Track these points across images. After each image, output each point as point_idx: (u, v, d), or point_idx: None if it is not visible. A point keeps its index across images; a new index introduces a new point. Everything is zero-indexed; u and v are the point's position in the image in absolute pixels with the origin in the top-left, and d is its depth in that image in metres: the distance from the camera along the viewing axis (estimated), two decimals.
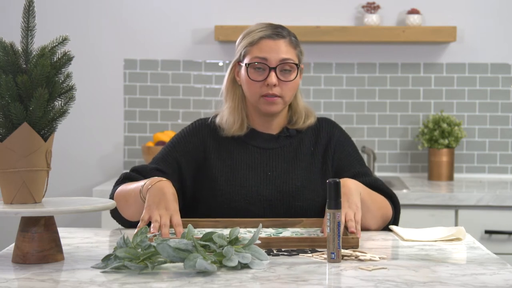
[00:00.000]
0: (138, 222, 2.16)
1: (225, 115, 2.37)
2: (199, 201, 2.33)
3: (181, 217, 2.12)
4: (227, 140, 2.36)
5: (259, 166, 2.34)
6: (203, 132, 2.39)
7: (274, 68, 2.27)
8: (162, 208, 2.06)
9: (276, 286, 1.59)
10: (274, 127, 2.38)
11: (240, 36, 2.36)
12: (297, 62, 2.31)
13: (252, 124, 2.38)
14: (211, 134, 2.38)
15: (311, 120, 2.40)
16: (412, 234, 2.16)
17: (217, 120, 2.38)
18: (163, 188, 2.10)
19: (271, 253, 1.89)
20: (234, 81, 2.38)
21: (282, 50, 2.29)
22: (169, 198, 2.08)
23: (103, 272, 1.68)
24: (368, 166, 3.85)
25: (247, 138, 2.37)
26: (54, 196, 1.97)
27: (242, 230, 2.13)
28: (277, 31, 2.31)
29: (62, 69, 1.83)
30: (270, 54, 2.28)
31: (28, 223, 1.78)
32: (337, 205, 1.79)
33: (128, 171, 2.37)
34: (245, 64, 2.30)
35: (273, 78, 2.27)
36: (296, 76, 2.30)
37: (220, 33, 3.86)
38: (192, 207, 2.35)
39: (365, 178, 2.34)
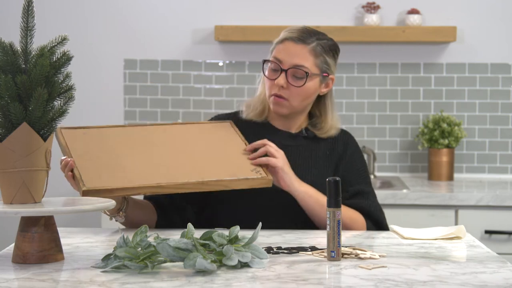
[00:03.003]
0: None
1: (249, 101, 2.46)
2: (209, 196, 2.33)
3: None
4: (246, 134, 2.37)
5: None
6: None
7: (285, 71, 2.30)
8: None
9: (276, 285, 1.58)
10: (293, 127, 2.42)
11: None
12: (311, 71, 2.31)
13: (272, 121, 2.43)
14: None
15: (331, 134, 2.42)
16: (412, 233, 2.16)
17: (244, 104, 2.47)
18: None
19: (271, 252, 1.89)
20: None
21: (298, 55, 2.31)
22: None
23: (103, 271, 1.68)
24: (368, 166, 3.86)
25: (267, 133, 2.39)
26: (54, 196, 1.97)
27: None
28: (302, 36, 2.33)
29: (62, 69, 1.83)
30: (285, 56, 2.31)
31: (28, 223, 1.78)
32: (336, 204, 1.80)
33: None
34: (263, 61, 2.36)
35: (280, 79, 2.30)
36: (305, 83, 2.30)
37: (220, 33, 3.86)
38: (201, 198, 2.36)
39: (363, 200, 2.36)
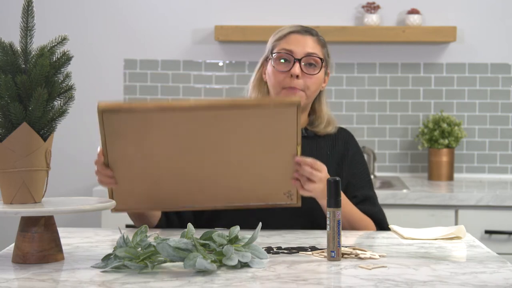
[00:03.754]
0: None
1: None
2: None
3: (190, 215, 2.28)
4: None
5: None
6: None
7: (299, 60, 2.30)
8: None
9: (276, 285, 1.58)
10: None
11: (271, 36, 2.40)
12: (322, 57, 2.33)
13: None
14: None
15: (331, 129, 2.41)
16: (412, 233, 2.16)
17: None
18: None
19: (271, 252, 1.89)
20: (260, 79, 2.41)
21: (308, 44, 2.32)
22: None
23: (103, 271, 1.68)
24: (368, 166, 3.85)
25: None
26: (54, 196, 1.97)
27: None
28: (306, 28, 2.36)
29: (61, 69, 1.83)
30: (296, 46, 2.31)
31: (28, 223, 1.78)
32: (336, 204, 1.79)
33: None
34: (271, 54, 2.34)
35: (296, 68, 2.29)
36: (320, 71, 2.32)
37: (220, 33, 3.86)
38: None
39: (372, 207, 2.37)
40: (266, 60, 2.39)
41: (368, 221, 2.33)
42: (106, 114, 1.93)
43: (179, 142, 1.99)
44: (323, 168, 2.13)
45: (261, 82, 2.40)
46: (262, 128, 1.99)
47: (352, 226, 2.28)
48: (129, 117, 1.94)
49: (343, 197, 2.26)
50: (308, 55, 2.31)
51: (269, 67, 2.35)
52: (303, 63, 2.30)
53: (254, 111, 1.97)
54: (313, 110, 2.43)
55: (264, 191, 2.10)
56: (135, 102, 1.95)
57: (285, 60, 2.32)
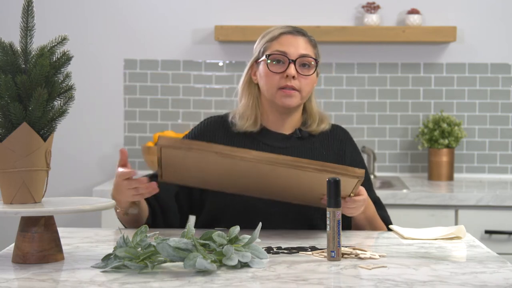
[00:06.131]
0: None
1: (239, 112, 2.38)
2: (208, 199, 2.33)
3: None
4: (238, 137, 2.36)
5: None
6: (211, 130, 2.39)
7: (294, 61, 2.29)
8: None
9: (276, 285, 1.58)
10: (287, 127, 2.38)
11: (259, 38, 2.39)
12: (316, 58, 2.33)
13: (265, 123, 2.38)
14: (222, 131, 2.38)
15: (325, 126, 2.41)
16: (412, 233, 2.16)
17: (230, 116, 2.39)
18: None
19: (271, 252, 1.89)
20: (250, 81, 2.39)
21: (301, 46, 2.32)
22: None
23: (103, 271, 1.68)
24: (368, 166, 3.86)
25: (259, 136, 2.36)
26: (54, 196, 1.97)
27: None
28: (296, 29, 2.35)
29: (62, 69, 1.83)
30: (289, 48, 2.31)
31: (28, 223, 1.78)
32: (336, 204, 1.80)
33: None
34: (266, 56, 2.32)
35: (292, 69, 2.29)
36: (314, 72, 2.32)
37: (220, 33, 3.86)
38: (200, 206, 2.36)
39: (383, 212, 2.39)
40: (256, 62, 2.37)
41: (384, 228, 2.36)
42: (165, 149, 2.00)
43: (231, 173, 2.07)
44: (363, 194, 2.15)
45: (251, 84, 2.39)
46: (316, 182, 2.00)
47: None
48: (187, 153, 1.99)
49: (372, 206, 2.29)
50: (302, 56, 2.30)
51: (262, 68, 2.33)
52: (297, 64, 2.30)
53: (314, 174, 1.97)
54: (304, 109, 2.42)
55: (304, 197, 2.15)
56: (193, 142, 2.01)
57: (279, 61, 2.31)
